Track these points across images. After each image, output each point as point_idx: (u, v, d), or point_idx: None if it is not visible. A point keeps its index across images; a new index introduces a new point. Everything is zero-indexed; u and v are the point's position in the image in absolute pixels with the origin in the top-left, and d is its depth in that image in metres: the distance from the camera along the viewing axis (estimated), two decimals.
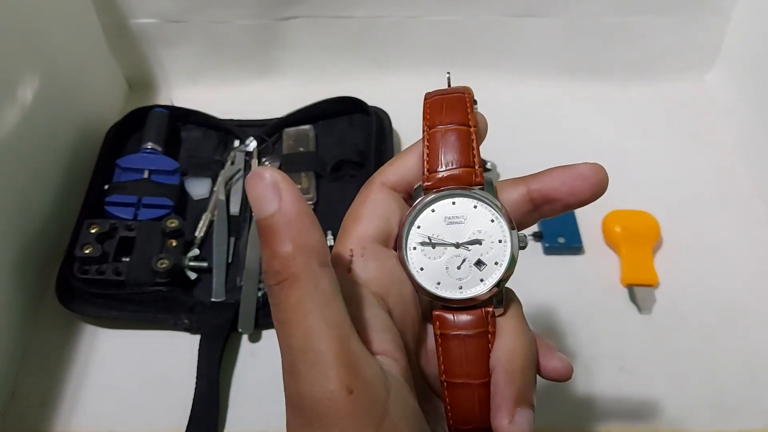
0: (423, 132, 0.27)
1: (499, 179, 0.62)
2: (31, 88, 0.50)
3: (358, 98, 0.61)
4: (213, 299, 0.50)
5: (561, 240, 0.54)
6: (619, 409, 0.47)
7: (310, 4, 0.63)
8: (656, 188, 0.59)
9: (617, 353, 0.49)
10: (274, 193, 0.22)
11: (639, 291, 0.52)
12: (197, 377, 0.46)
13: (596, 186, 0.26)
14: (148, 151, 0.57)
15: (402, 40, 0.66)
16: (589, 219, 0.56)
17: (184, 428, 0.44)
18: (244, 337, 0.50)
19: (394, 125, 0.61)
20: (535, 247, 0.55)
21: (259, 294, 0.50)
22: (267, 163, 0.58)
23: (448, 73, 0.29)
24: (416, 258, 0.26)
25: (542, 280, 0.53)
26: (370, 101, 0.61)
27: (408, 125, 0.62)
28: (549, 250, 0.55)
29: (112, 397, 0.47)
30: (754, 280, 0.53)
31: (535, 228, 0.56)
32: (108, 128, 0.59)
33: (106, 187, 0.54)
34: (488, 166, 0.59)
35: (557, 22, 0.64)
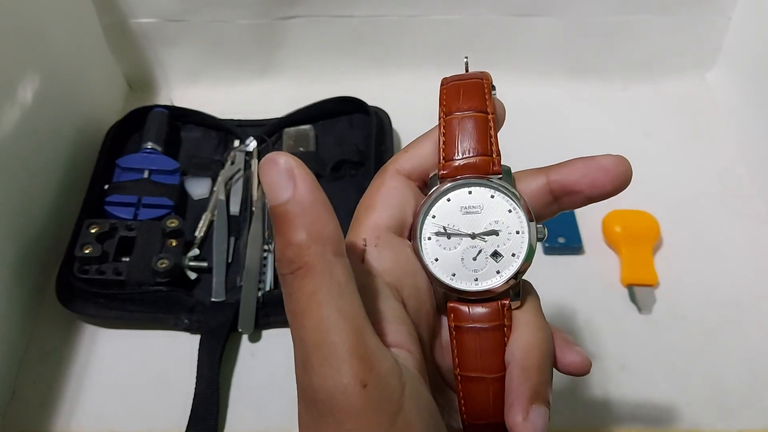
0: (439, 119, 0.26)
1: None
2: (31, 88, 0.50)
3: (358, 98, 0.61)
4: (213, 299, 0.50)
5: (561, 240, 0.54)
6: (619, 408, 0.47)
7: (310, 3, 0.62)
8: (656, 188, 0.59)
9: (617, 353, 0.49)
10: (288, 179, 0.21)
11: (639, 291, 0.52)
12: (197, 377, 0.46)
13: (619, 179, 0.25)
14: (148, 151, 0.57)
15: (402, 40, 0.66)
16: (589, 219, 0.56)
17: (184, 428, 0.44)
18: (244, 337, 0.50)
19: (394, 125, 0.61)
20: None
21: (259, 294, 0.50)
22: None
23: (466, 57, 0.28)
24: (431, 248, 0.25)
25: (542, 280, 0.52)
26: (370, 101, 0.61)
27: (408, 125, 0.62)
28: (549, 250, 0.55)
29: (112, 397, 0.47)
30: (754, 280, 0.53)
31: None
32: (108, 128, 0.59)
33: (106, 187, 0.54)
34: None
35: (558, 21, 0.64)
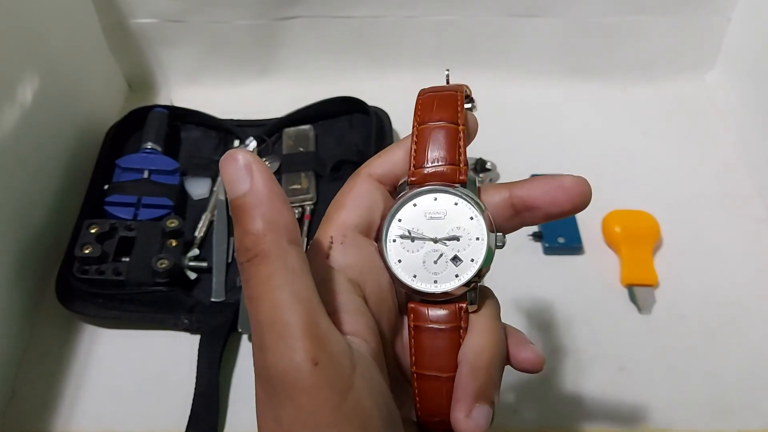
0: (413, 128, 0.27)
1: (499, 179, 0.62)
2: (31, 88, 0.50)
3: (358, 98, 0.61)
4: (213, 299, 0.50)
5: (561, 240, 0.54)
6: (618, 409, 0.47)
7: (310, 4, 0.63)
8: (656, 188, 0.59)
9: (617, 353, 0.49)
10: (246, 173, 0.23)
11: (639, 291, 0.52)
12: (197, 377, 0.46)
13: (577, 198, 0.26)
14: (148, 151, 0.57)
15: (402, 40, 0.66)
16: (589, 219, 0.56)
17: (184, 428, 0.44)
18: (244, 337, 0.50)
19: (394, 125, 0.61)
20: (535, 247, 0.55)
21: None
22: (267, 163, 0.58)
23: (447, 70, 0.29)
24: (395, 250, 0.27)
25: (542, 280, 0.53)
26: (370, 101, 0.61)
27: (408, 125, 0.62)
28: (549, 250, 0.55)
29: (112, 397, 0.47)
30: (754, 280, 0.53)
31: (535, 228, 0.56)
32: (108, 128, 0.59)
33: (106, 187, 0.54)
34: (488, 166, 0.59)
35: (557, 22, 0.64)
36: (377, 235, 0.27)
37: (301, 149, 0.59)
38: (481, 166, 0.59)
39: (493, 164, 0.59)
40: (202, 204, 0.56)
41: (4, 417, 0.46)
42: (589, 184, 0.26)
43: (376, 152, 0.58)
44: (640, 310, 0.51)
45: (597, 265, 0.54)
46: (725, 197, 0.59)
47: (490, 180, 0.59)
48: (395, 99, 0.62)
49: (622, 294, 0.53)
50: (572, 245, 0.55)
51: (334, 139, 0.61)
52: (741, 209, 0.58)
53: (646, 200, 0.57)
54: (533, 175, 0.58)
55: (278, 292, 0.22)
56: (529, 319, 0.51)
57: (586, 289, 0.53)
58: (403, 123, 0.61)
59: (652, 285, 0.52)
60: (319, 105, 0.61)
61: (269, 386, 0.22)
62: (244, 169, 0.23)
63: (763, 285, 0.53)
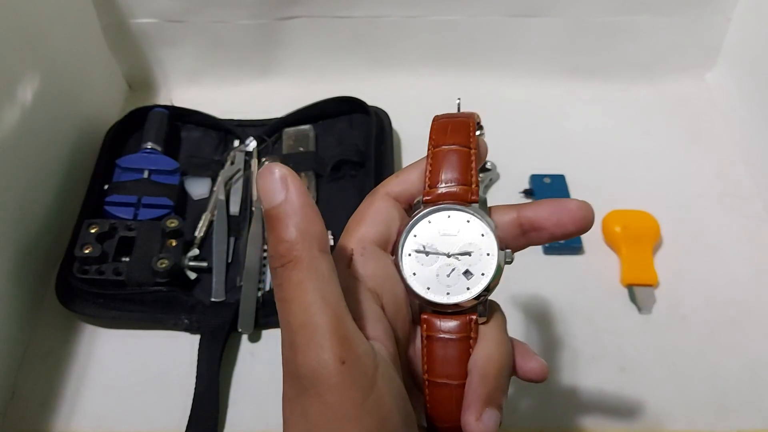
0: (428, 150, 0.29)
1: (499, 179, 0.62)
2: (31, 88, 0.50)
3: (358, 98, 0.61)
4: (213, 299, 0.50)
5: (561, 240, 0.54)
6: (619, 409, 0.47)
7: (310, 4, 0.63)
8: (656, 188, 0.59)
9: (617, 353, 0.49)
10: (282, 185, 0.24)
11: (639, 291, 0.52)
12: (197, 377, 0.46)
13: (581, 221, 0.28)
14: (148, 151, 0.57)
15: (402, 40, 0.66)
16: None
17: (184, 428, 0.44)
18: (244, 337, 0.50)
19: (394, 125, 0.61)
20: (535, 247, 0.55)
21: (259, 294, 0.50)
22: (267, 163, 0.59)
23: (459, 99, 0.32)
24: (410, 264, 0.28)
25: (542, 280, 0.53)
26: (370, 101, 0.61)
27: (408, 125, 0.62)
28: (549, 250, 0.55)
29: (112, 397, 0.47)
30: (754, 280, 0.53)
31: None
32: (108, 128, 0.59)
33: (106, 187, 0.54)
34: (488, 166, 0.59)
35: (558, 21, 0.64)
36: (393, 249, 0.29)
37: (301, 149, 0.59)
38: (481, 166, 0.59)
39: (493, 164, 0.59)
40: (202, 204, 0.56)
41: (4, 417, 0.46)
42: (592, 209, 0.28)
43: (376, 152, 0.59)
44: (640, 310, 0.51)
45: (597, 265, 0.54)
46: (725, 197, 0.59)
47: (490, 180, 0.59)
48: (395, 99, 0.63)
49: (622, 294, 0.53)
50: (572, 245, 0.55)
51: (334, 139, 0.61)
52: (741, 209, 0.58)
53: (646, 200, 0.57)
54: (533, 176, 0.59)
55: (309, 295, 0.23)
56: (529, 319, 0.51)
57: (586, 289, 0.53)
58: (403, 123, 0.62)
59: (652, 285, 0.52)
60: (319, 105, 0.61)
61: (298, 383, 0.24)
62: (279, 182, 0.24)
63: (763, 285, 0.53)
